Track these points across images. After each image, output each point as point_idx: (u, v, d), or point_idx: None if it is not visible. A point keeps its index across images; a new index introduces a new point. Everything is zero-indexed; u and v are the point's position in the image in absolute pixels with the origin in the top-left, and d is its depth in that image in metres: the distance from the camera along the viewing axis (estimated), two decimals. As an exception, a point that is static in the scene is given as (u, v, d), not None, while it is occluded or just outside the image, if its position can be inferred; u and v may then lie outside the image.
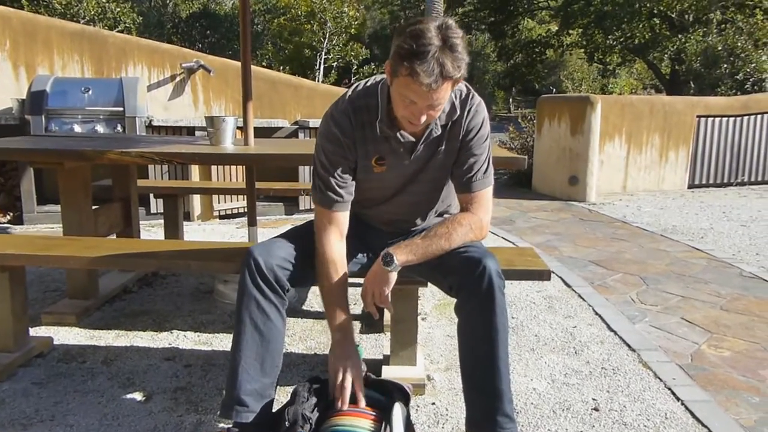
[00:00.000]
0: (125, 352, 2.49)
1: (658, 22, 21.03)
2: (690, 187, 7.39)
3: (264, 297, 1.68)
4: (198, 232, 4.78)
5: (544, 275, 2.09)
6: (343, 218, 1.78)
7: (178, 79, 5.50)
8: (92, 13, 9.63)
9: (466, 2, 28.57)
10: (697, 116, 7.25)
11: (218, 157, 2.51)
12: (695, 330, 2.82)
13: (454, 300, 1.77)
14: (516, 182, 7.49)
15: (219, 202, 5.24)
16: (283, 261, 1.72)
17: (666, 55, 20.88)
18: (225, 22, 20.93)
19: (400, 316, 2.23)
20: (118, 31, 9.14)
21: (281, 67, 19.68)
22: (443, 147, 1.79)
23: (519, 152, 7.82)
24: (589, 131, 6.33)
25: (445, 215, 2.01)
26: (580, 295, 3.28)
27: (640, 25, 20.54)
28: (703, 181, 7.47)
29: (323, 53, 17.49)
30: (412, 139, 1.75)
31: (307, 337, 2.69)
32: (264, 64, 21.06)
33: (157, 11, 22.84)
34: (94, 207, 2.99)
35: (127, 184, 3.28)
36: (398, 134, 1.73)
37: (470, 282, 1.66)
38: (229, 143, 2.83)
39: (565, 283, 3.50)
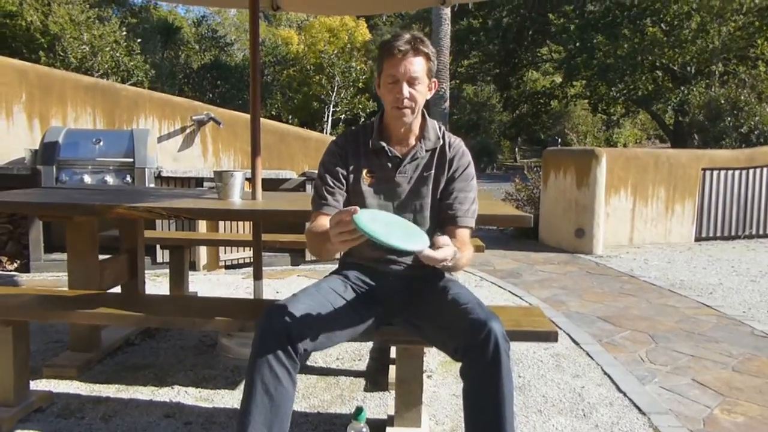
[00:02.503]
0: (125, 407, 2.45)
1: (660, 74, 21.39)
2: (697, 239, 7.36)
3: (277, 360, 1.66)
4: (204, 283, 4.76)
5: (551, 336, 2.07)
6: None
7: (188, 131, 5.60)
8: (106, 66, 9.89)
9: (472, 54, 29.21)
10: (703, 169, 7.28)
11: (226, 212, 2.53)
12: (707, 392, 2.76)
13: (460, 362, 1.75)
14: (523, 234, 7.49)
15: (225, 252, 5.25)
16: (300, 323, 1.71)
17: (669, 107, 21.14)
18: (235, 73, 21.44)
19: (405, 376, 2.20)
20: (131, 84, 9.34)
21: (290, 117, 20.01)
22: (432, 172, 1.97)
23: (525, 203, 7.84)
24: (594, 184, 6.35)
25: None
26: (588, 353, 3.23)
27: (643, 77, 20.88)
28: (710, 234, 7.44)
29: (331, 106, 17.81)
30: (399, 155, 1.96)
31: (310, 394, 2.65)
32: (273, 113, 21.45)
33: (169, 62, 23.45)
34: (100, 258, 3.00)
35: (134, 236, 3.30)
36: (387, 148, 1.95)
37: (475, 345, 1.65)
38: (236, 197, 2.84)
39: (573, 341, 3.45)
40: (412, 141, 1.98)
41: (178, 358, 3.02)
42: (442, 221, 1.98)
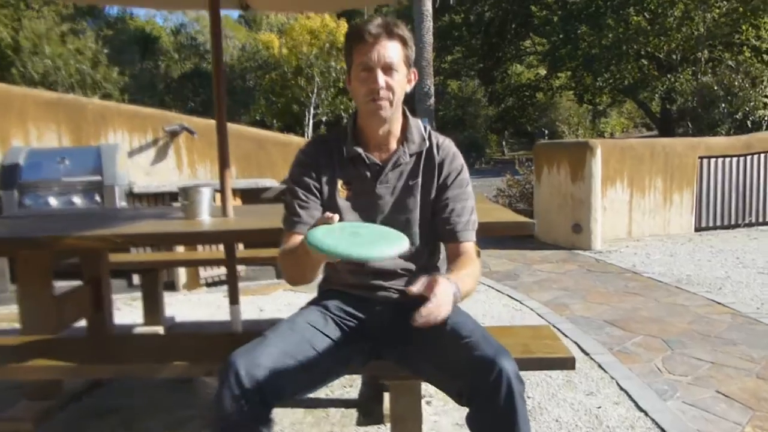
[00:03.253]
0: (87, 465, 2.16)
1: (646, 62, 21.25)
2: (697, 230, 7.13)
3: (246, 422, 1.39)
4: (183, 304, 4.47)
5: (567, 363, 1.80)
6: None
7: (161, 143, 5.30)
8: (72, 80, 9.47)
9: (455, 50, 28.99)
10: (699, 157, 7.05)
11: (190, 236, 2.24)
12: (734, 407, 2.50)
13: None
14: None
15: (205, 270, 4.95)
16: (273, 372, 1.43)
17: (656, 95, 21.01)
18: (216, 80, 21.05)
19: (401, 413, 1.92)
20: (99, 98, 8.97)
21: (274, 121, 19.67)
22: (419, 180, 1.70)
23: (518, 200, 7.59)
24: (590, 177, 6.11)
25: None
26: (600, 365, 2.97)
27: (629, 66, 20.73)
28: (710, 224, 7.21)
29: (312, 108, 17.51)
30: (379, 162, 1.69)
31: (297, 433, 2.37)
32: (257, 118, 21.12)
33: (148, 73, 23.08)
34: (62, 290, 2.71)
35: (97, 264, 2.99)
36: (364, 155, 1.68)
37: (484, 390, 1.38)
38: (205, 215, 2.56)
39: (582, 350, 3.18)
40: (394, 145, 1.70)
41: (151, 398, 2.72)
42: (440, 238, 1.71)
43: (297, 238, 1.61)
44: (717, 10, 16.78)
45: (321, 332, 1.61)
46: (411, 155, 1.70)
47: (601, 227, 6.26)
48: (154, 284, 3.62)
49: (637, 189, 6.84)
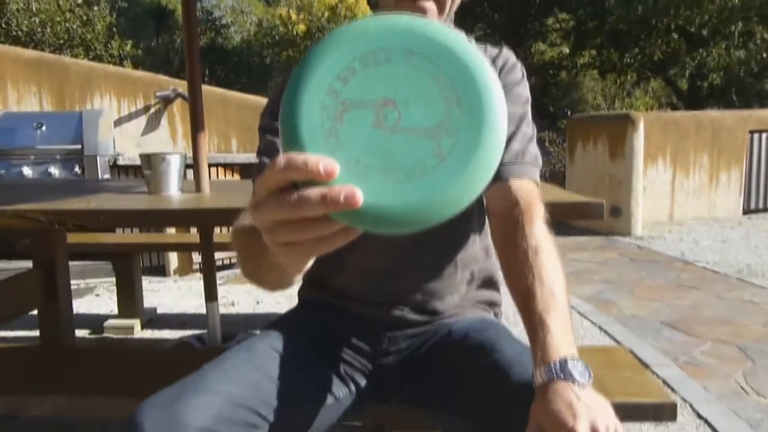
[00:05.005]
0: None
1: (676, 36, 20.24)
2: (745, 212, 6.47)
3: None
4: (171, 292, 3.96)
5: (664, 412, 1.22)
6: None
7: (153, 110, 4.74)
8: (60, 41, 8.75)
9: (477, 27, 28.10)
10: (750, 131, 6.36)
11: (142, 215, 1.69)
12: None
13: None
14: (545, 214, 6.61)
15: (199, 254, 4.42)
16: None
17: (687, 71, 20.05)
18: (233, 56, 20.55)
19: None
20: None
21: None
22: None
23: (547, 179, 6.96)
24: (631, 154, 5.46)
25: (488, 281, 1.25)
26: (665, 381, 2.39)
27: (658, 41, 19.77)
28: (760, 206, 6.54)
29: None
30: None
31: None
32: (276, 96, 20.55)
33: (164, 47, 22.58)
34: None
35: (50, 245, 2.47)
36: None
37: None
38: (173, 190, 2.02)
39: (640, 361, 2.60)
40: None
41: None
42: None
43: None
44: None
45: (296, 368, 1.04)
46: None
47: (642, 210, 5.63)
48: (129, 269, 3.10)
49: (681, 167, 6.18)
